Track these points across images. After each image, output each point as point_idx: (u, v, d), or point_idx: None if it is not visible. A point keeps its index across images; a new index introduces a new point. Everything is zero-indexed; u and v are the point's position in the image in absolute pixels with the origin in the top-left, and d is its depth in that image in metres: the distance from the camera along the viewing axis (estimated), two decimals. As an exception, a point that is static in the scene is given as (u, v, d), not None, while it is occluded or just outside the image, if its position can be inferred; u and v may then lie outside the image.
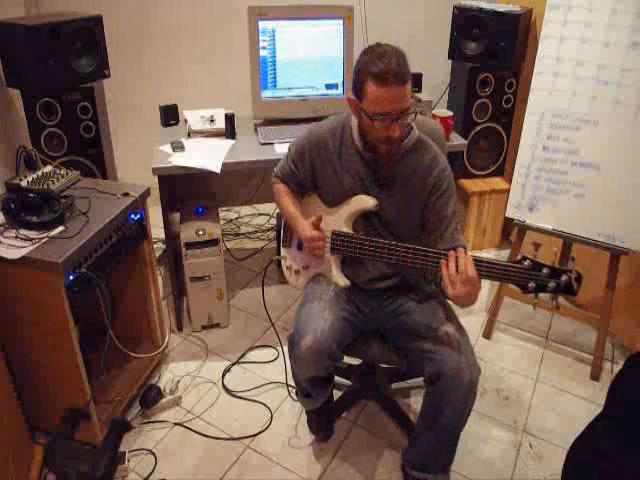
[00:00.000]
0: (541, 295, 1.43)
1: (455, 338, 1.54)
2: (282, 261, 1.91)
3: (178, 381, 2.13)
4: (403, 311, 1.69)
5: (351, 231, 1.67)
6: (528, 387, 2.20)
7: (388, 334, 1.73)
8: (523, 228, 2.25)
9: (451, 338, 1.53)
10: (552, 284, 1.37)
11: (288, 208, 1.78)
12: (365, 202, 1.63)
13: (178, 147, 2.24)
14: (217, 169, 2.14)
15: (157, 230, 2.47)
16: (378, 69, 1.40)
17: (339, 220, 1.67)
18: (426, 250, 1.50)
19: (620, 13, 1.91)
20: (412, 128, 1.61)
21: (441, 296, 1.73)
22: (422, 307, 1.67)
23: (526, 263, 1.39)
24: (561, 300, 2.58)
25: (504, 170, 3.05)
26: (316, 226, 1.67)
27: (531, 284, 1.39)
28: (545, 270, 1.37)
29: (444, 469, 1.69)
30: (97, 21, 2.30)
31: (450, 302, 1.64)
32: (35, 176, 1.85)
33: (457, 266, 1.41)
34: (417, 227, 1.64)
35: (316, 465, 1.87)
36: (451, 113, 2.47)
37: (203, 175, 2.15)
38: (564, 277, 1.36)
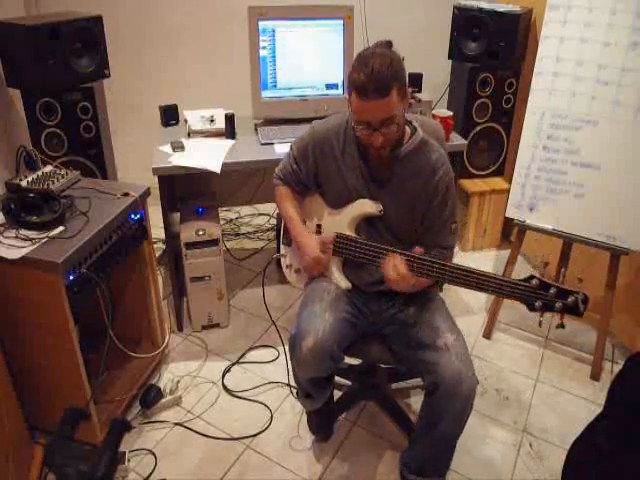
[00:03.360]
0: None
1: (454, 349, 1.53)
2: (282, 259, 1.91)
3: (178, 381, 2.13)
4: (403, 317, 1.69)
5: (354, 234, 1.67)
6: (528, 387, 2.20)
7: (388, 339, 1.73)
8: (523, 228, 2.25)
9: (450, 349, 1.53)
10: (559, 304, 1.37)
11: (288, 212, 1.78)
12: (369, 207, 1.62)
13: (178, 147, 2.24)
14: (217, 169, 2.14)
15: (157, 230, 2.47)
16: (359, 80, 1.40)
17: (342, 222, 1.67)
18: (432, 260, 1.50)
19: (620, 13, 1.91)
20: (416, 129, 1.61)
21: (441, 302, 1.74)
22: (422, 314, 1.67)
23: (534, 282, 1.39)
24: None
25: (504, 170, 3.05)
26: (313, 231, 1.68)
27: (538, 303, 1.39)
28: (552, 290, 1.37)
29: (441, 474, 1.69)
30: (97, 21, 2.30)
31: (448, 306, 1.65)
32: (35, 176, 1.85)
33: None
34: (415, 230, 1.65)
35: (316, 465, 1.87)
36: (451, 113, 2.47)
37: (203, 175, 2.15)
38: (571, 298, 1.36)
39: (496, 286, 1.44)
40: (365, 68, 1.39)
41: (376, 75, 1.38)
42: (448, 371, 1.49)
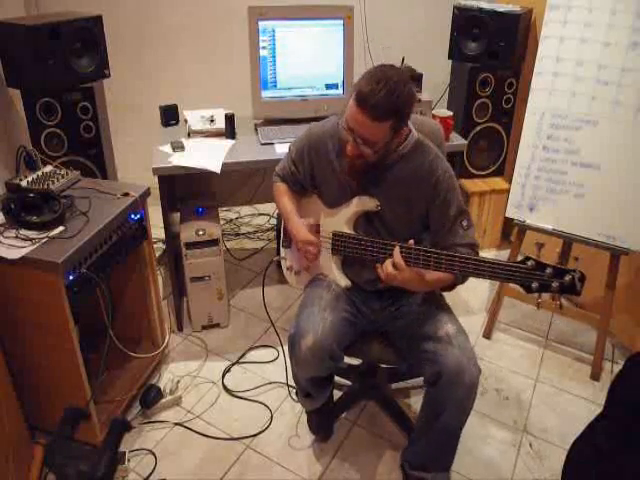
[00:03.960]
0: (544, 295, 1.43)
1: (455, 338, 1.54)
2: (282, 262, 1.91)
3: (178, 381, 2.13)
4: (403, 313, 1.70)
5: (352, 231, 1.67)
6: (528, 387, 2.20)
7: (389, 335, 1.73)
8: (523, 228, 2.25)
9: (451, 338, 1.54)
10: (556, 284, 1.37)
11: (285, 205, 1.79)
12: (366, 203, 1.63)
13: (178, 147, 2.24)
14: (217, 169, 2.14)
15: (157, 230, 2.47)
16: (363, 91, 1.39)
17: (340, 221, 1.67)
18: (426, 250, 1.50)
19: (620, 13, 1.91)
20: (410, 131, 1.60)
21: (441, 297, 1.74)
22: (422, 309, 1.67)
23: (529, 263, 1.39)
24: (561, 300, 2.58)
25: (504, 170, 3.05)
26: (312, 230, 1.67)
27: (535, 284, 1.39)
28: (548, 270, 1.37)
29: (444, 468, 1.69)
30: (97, 21, 2.30)
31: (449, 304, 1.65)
32: (35, 176, 1.86)
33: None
34: (415, 229, 1.64)
35: (316, 465, 1.87)
36: (451, 113, 2.47)
37: (203, 175, 2.15)
38: (567, 277, 1.36)
39: (492, 270, 1.44)
40: (375, 85, 1.38)
41: (379, 98, 1.37)
42: (450, 360, 1.49)
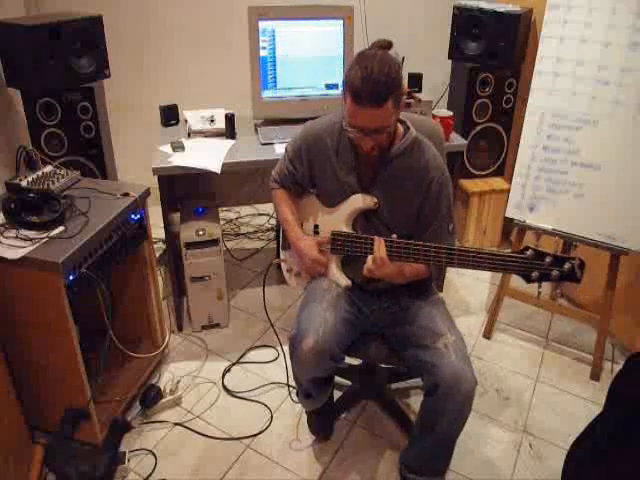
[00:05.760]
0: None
1: (453, 350, 1.53)
2: (282, 264, 1.91)
3: (178, 381, 2.13)
4: (403, 315, 1.69)
5: (351, 230, 1.67)
6: (528, 387, 2.20)
7: (388, 339, 1.73)
8: (523, 228, 2.25)
9: (449, 350, 1.53)
10: (555, 272, 1.37)
11: (286, 216, 1.78)
12: (364, 201, 1.62)
13: (178, 147, 2.24)
14: (217, 169, 2.14)
15: (157, 230, 2.46)
16: (355, 86, 1.38)
17: (339, 220, 1.67)
18: (427, 245, 1.50)
19: (620, 13, 1.91)
20: (409, 128, 1.60)
21: (440, 301, 1.74)
22: (422, 311, 1.67)
23: (528, 253, 1.38)
24: (561, 299, 2.58)
25: (504, 170, 3.05)
26: (320, 249, 1.69)
27: (535, 274, 1.39)
28: (548, 259, 1.37)
29: (440, 472, 1.70)
30: (97, 21, 2.30)
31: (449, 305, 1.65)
32: (35, 176, 1.86)
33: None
34: (412, 226, 1.65)
35: (316, 465, 1.87)
36: (451, 113, 2.47)
37: (203, 175, 2.15)
38: (567, 265, 1.36)
39: (491, 261, 1.43)
40: (364, 71, 1.37)
41: (373, 83, 1.36)
42: (447, 371, 1.49)
